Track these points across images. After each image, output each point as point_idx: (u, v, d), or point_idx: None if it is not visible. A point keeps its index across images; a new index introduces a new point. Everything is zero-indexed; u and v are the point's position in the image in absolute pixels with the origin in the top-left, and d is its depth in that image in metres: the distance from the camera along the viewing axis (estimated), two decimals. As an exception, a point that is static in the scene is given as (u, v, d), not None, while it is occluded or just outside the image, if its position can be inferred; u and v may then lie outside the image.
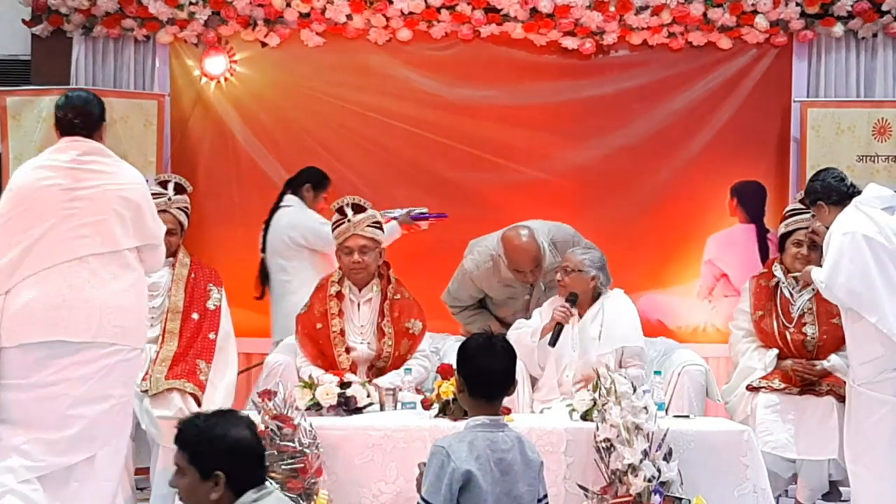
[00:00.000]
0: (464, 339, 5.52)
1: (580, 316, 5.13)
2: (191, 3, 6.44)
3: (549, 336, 4.99)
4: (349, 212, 5.14)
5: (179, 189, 5.37)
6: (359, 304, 5.18)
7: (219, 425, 2.91)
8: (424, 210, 6.06)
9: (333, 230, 5.19)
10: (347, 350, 5.06)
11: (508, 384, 3.50)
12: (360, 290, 5.20)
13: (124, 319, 4.19)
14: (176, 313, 5.18)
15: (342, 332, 5.08)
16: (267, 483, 2.99)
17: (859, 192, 4.86)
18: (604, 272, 5.18)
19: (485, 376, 3.46)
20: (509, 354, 3.51)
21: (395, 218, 5.91)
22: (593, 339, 5.03)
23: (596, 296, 5.16)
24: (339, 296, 5.15)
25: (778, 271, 5.44)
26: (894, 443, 4.66)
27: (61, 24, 6.48)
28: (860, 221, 4.72)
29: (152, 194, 5.18)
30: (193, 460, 2.87)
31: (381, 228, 5.20)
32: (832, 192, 4.92)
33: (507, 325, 5.49)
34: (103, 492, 4.19)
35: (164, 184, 5.38)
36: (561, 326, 4.97)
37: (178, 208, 5.34)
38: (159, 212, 5.09)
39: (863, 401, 4.73)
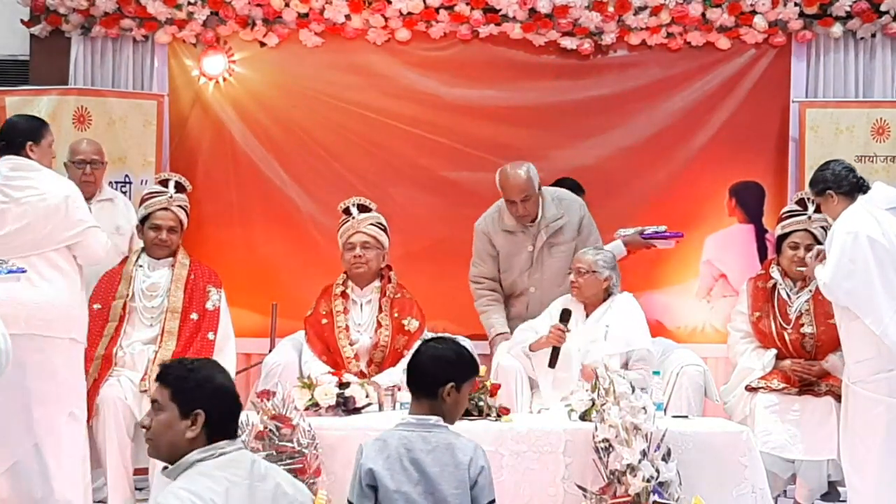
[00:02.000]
0: (465, 338, 5.62)
1: (587, 315, 5.16)
2: (189, 3, 6.43)
3: (542, 350, 5.06)
4: (354, 211, 5.34)
5: (179, 188, 5.39)
6: (361, 305, 5.33)
7: (204, 368, 2.99)
8: (660, 228, 5.92)
9: (339, 229, 5.37)
10: (352, 343, 5.19)
11: (426, 385, 3.38)
12: (361, 290, 5.32)
13: (50, 313, 4.71)
14: (175, 313, 5.19)
15: (347, 328, 5.22)
16: (239, 441, 3.02)
17: (868, 186, 4.85)
18: (616, 272, 5.23)
19: (408, 373, 3.51)
20: (435, 358, 3.42)
21: (624, 237, 5.85)
22: (596, 341, 5.05)
23: (606, 296, 5.18)
24: (344, 295, 5.32)
25: (775, 273, 5.44)
26: (889, 442, 4.65)
27: (60, 24, 6.47)
28: (865, 221, 4.71)
29: (153, 193, 5.26)
30: (176, 396, 2.92)
31: (385, 231, 5.36)
32: (843, 181, 4.88)
33: (514, 298, 5.67)
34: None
35: (164, 182, 5.41)
36: (557, 349, 5.00)
37: (179, 206, 5.36)
38: (161, 209, 5.18)
39: (858, 400, 4.73)
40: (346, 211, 5.36)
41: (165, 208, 5.31)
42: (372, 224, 5.33)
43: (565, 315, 5.07)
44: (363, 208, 5.36)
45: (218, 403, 2.93)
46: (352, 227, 5.31)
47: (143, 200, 5.39)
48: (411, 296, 5.39)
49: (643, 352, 5.05)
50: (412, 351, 5.05)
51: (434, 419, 3.35)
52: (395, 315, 5.25)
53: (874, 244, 4.65)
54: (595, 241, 5.66)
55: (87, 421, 4.89)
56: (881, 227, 4.69)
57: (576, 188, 6.18)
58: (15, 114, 5.44)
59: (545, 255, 5.63)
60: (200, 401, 2.91)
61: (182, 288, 5.25)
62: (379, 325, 5.23)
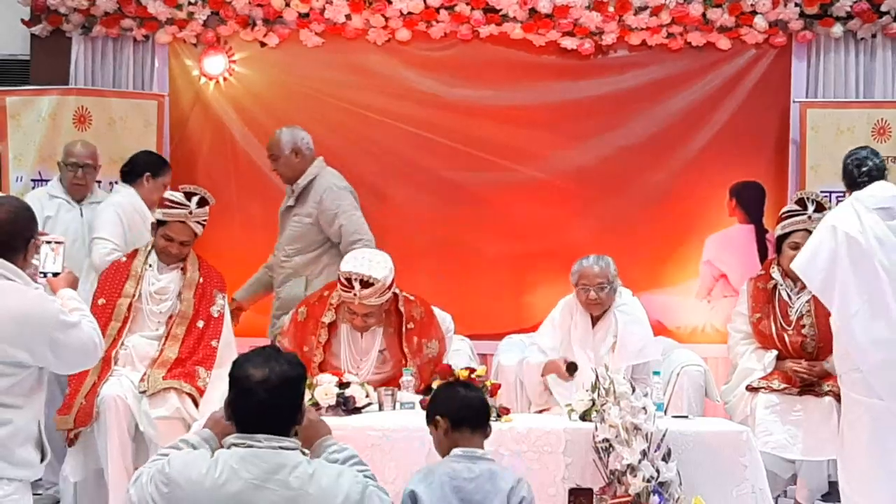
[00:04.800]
0: (465, 338, 5.61)
1: (594, 324, 5.15)
2: (190, 3, 6.43)
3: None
4: (356, 286, 4.80)
5: (202, 203, 5.24)
6: (361, 333, 5.00)
7: (243, 359, 3.02)
8: None
9: (337, 287, 4.93)
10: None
11: (484, 421, 3.60)
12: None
13: None
14: (184, 318, 5.16)
15: (320, 366, 4.93)
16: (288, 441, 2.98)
17: (866, 182, 4.83)
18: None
19: (464, 409, 3.58)
20: (484, 399, 3.71)
21: None
22: (606, 355, 5.04)
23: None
24: (333, 326, 5.00)
25: (775, 273, 5.43)
26: (873, 441, 4.61)
27: (60, 24, 6.47)
28: (847, 219, 4.68)
29: (174, 202, 5.13)
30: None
31: (391, 287, 4.90)
32: (845, 175, 4.91)
33: None
34: None
35: (189, 195, 5.21)
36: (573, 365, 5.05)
37: (197, 222, 5.24)
38: (178, 222, 5.07)
39: (846, 400, 4.73)
40: (349, 281, 4.81)
41: (182, 221, 5.22)
42: (376, 297, 4.82)
43: (572, 368, 5.04)
44: (366, 284, 4.78)
45: (238, 393, 2.97)
46: (353, 299, 4.81)
47: (162, 204, 5.25)
48: (422, 312, 5.05)
49: (647, 364, 5.06)
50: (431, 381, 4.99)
51: (482, 451, 3.53)
52: (416, 348, 4.96)
53: (851, 241, 4.60)
54: (340, 226, 5.58)
55: (87, 422, 4.89)
56: (863, 226, 4.65)
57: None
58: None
59: (285, 220, 5.75)
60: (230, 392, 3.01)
61: (193, 293, 5.22)
62: (403, 357, 4.92)
